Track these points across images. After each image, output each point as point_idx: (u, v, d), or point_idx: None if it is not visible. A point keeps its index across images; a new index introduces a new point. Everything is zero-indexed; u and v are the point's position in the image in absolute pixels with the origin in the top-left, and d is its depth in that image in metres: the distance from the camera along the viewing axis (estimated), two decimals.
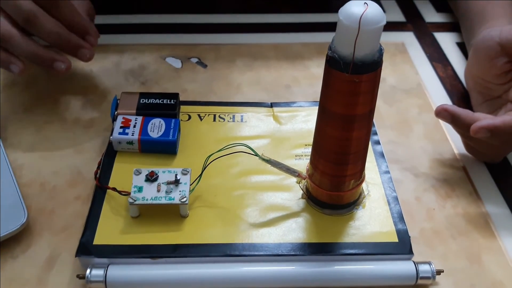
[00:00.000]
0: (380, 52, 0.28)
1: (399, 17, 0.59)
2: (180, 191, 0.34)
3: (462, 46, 0.54)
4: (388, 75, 0.50)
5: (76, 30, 0.41)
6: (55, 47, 0.40)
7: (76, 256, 0.32)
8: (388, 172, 0.38)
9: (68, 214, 0.36)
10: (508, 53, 0.40)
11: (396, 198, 0.36)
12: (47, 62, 0.39)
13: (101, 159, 0.38)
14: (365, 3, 0.26)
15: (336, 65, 0.28)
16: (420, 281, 0.32)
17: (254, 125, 0.42)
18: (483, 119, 0.35)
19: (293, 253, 0.32)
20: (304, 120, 0.42)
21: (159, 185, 0.34)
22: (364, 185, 0.36)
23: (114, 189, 0.35)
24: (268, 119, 0.42)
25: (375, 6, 0.26)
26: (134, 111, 0.40)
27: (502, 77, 0.40)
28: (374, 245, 0.33)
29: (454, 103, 0.47)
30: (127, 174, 0.36)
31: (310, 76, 0.49)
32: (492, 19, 0.45)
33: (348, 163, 0.32)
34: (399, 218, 0.35)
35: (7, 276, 0.32)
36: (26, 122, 0.42)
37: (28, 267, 0.33)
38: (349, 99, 0.29)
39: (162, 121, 0.39)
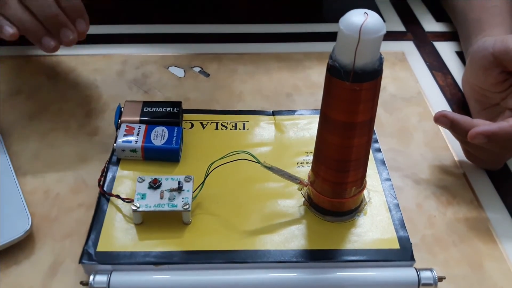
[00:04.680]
0: (380, 61, 0.28)
1: (399, 26, 0.59)
2: (182, 198, 0.34)
3: (461, 55, 0.54)
4: (388, 84, 0.50)
5: (68, 10, 0.39)
6: (40, 18, 0.39)
7: (79, 263, 0.32)
8: (389, 179, 0.38)
9: (72, 221, 0.36)
10: (501, 64, 0.40)
11: (397, 205, 0.36)
12: (37, 35, 0.39)
13: (104, 166, 0.38)
14: (365, 12, 0.27)
15: (337, 74, 0.28)
16: None
17: (256, 133, 0.42)
18: (481, 125, 0.36)
19: (295, 260, 0.32)
20: (305, 128, 0.42)
21: (162, 192, 0.34)
22: (365, 192, 0.37)
23: (117, 196, 0.35)
24: (270, 127, 0.43)
25: (375, 16, 0.27)
26: (138, 119, 0.40)
27: (498, 86, 0.41)
28: (376, 252, 0.33)
29: (453, 111, 0.47)
30: (131, 181, 0.37)
31: (311, 85, 0.49)
32: (489, 28, 0.46)
33: (349, 170, 0.32)
34: (401, 225, 0.35)
35: (10, 282, 0.32)
36: (30, 130, 0.43)
37: (32, 273, 0.33)
38: (350, 107, 0.29)
39: (165, 129, 0.39)
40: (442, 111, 0.38)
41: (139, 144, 0.38)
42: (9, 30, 0.38)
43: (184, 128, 0.42)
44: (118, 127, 0.40)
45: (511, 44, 0.39)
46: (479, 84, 0.43)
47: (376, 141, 0.41)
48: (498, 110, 0.41)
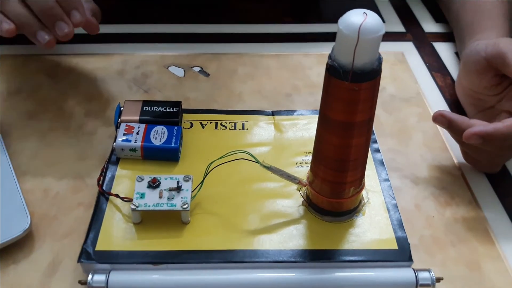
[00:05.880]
0: (379, 61, 0.28)
1: (398, 27, 0.59)
2: (181, 198, 0.34)
3: None
4: (388, 84, 0.50)
5: (64, 3, 0.39)
6: (35, 11, 0.38)
7: (78, 262, 0.32)
8: (387, 179, 0.38)
9: (71, 220, 0.36)
10: (494, 67, 0.40)
11: (395, 206, 0.36)
12: (32, 29, 0.38)
13: (104, 166, 0.38)
14: (364, 12, 0.27)
15: (336, 73, 0.28)
16: None
17: (255, 133, 0.42)
18: (478, 125, 0.36)
19: (293, 259, 0.32)
20: (304, 128, 0.42)
21: (161, 192, 0.34)
22: (364, 192, 0.37)
23: (116, 195, 0.35)
24: (269, 127, 0.43)
25: (374, 16, 0.27)
26: (137, 119, 0.40)
27: (492, 89, 0.41)
28: (374, 252, 0.33)
29: (453, 111, 0.47)
30: (130, 180, 0.37)
31: (311, 85, 0.49)
32: (481, 32, 0.46)
33: (348, 170, 0.32)
34: (399, 225, 0.35)
35: (9, 281, 0.32)
36: (30, 129, 0.43)
37: (31, 272, 0.33)
38: (348, 107, 0.29)
39: (165, 129, 0.39)
40: (440, 111, 0.38)
41: (139, 143, 0.38)
42: (6, 26, 0.38)
43: (183, 127, 0.42)
44: (117, 126, 0.40)
45: (503, 48, 0.39)
46: (474, 88, 0.43)
47: (375, 142, 0.41)
48: (494, 113, 0.41)
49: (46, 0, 0.38)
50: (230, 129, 0.42)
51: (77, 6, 0.40)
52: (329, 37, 0.55)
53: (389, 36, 0.57)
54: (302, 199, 0.36)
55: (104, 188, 0.36)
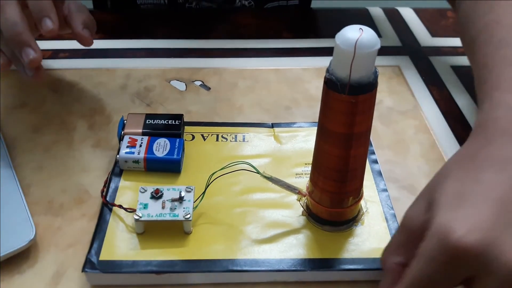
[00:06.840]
0: (375, 74, 0.30)
1: (395, 41, 0.61)
2: (184, 208, 0.35)
3: (456, 69, 0.56)
4: (385, 97, 0.51)
5: (35, 10, 0.38)
6: (4, 36, 0.38)
7: (82, 271, 0.32)
8: (386, 190, 0.39)
9: (75, 231, 0.37)
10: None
11: (394, 216, 0.37)
12: None
13: (107, 177, 0.39)
14: (360, 28, 0.28)
15: (333, 87, 0.29)
16: None
17: (256, 144, 0.43)
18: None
19: (293, 268, 0.33)
20: (304, 140, 0.43)
21: (163, 202, 0.35)
22: (362, 202, 0.37)
23: (120, 206, 0.36)
24: (269, 139, 0.44)
25: (370, 32, 0.28)
26: (140, 131, 0.41)
27: None
28: (373, 260, 0.34)
29: (449, 123, 0.48)
30: (133, 191, 0.38)
31: (309, 98, 0.51)
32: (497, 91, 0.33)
33: (346, 180, 0.33)
34: None
35: None
36: (34, 142, 0.44)
37: (35, 282, 0.33)
38: (346, 119, 0.30)
39: (167, 141, 0.40)
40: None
41: (142, 155, 0.39)
42: None
43: (185, 140, 0.43)
44: (121, 139, 0.41)
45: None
46: None
47: (373, 153, 0.42)
48: None
49: (14, 26, 0.37)
50: (231, 141, 0.43)
51: (49, 14, 0.38)
52: (327, 51, 0.57)
53: (386, 51, 0.59)
54: (302, 209, 0.37)
55: (107, 199, 0.37)
